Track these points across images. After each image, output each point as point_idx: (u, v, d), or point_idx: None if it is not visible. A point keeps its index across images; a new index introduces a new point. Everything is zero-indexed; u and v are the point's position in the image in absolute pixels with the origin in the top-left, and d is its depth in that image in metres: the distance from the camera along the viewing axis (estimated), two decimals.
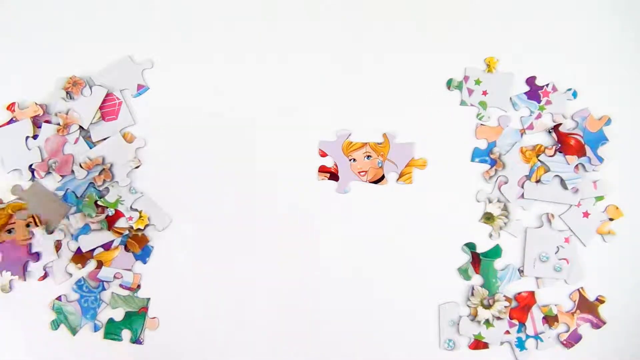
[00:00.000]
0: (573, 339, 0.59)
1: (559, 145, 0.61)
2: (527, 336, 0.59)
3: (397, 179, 0.61)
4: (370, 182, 0.61)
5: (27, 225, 0.58)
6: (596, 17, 0.64)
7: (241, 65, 0.63)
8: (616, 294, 0.60)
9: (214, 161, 0.62)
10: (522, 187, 0.61)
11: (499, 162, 0.61)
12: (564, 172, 0.60)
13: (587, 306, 0.59)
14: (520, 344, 0.59)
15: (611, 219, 0.60)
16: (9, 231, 0.59)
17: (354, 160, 0.61)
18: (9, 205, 0.58)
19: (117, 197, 0.61)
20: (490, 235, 0.60)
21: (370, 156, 0.61)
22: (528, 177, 0.61)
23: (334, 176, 0.61)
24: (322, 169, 0.62)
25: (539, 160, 0.61)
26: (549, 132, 0.61)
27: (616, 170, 0.60)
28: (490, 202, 0.61)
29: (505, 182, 0.60)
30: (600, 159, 0.60)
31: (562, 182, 0.60)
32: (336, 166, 0.61)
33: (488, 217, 0.60)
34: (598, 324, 0.59)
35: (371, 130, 0.62)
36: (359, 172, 0.61)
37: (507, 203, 0.61)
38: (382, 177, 0.61)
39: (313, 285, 0.60)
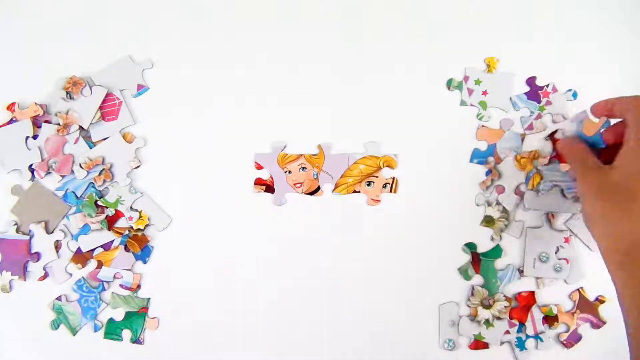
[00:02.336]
0: (573, 339, 0.59)
1: (554, 153, 0.60)
2: (527, 336, 0.59)
3: (333, 190, 0.61)
4: (305, 194, 0.60)
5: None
6: (596, 17, 0.64)
7: (241, 65, 0.63)
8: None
9: (214, 161, 0.62)
10: (519, 194, 0.60)
11: (494, 171, 0.61)
12: (561, 181, 0.60)
13: (587, 306, 0.59)
14: (520, 344, 0.59)
15: None
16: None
17: (290, 172, 0.61)
18: None
19: (117, 197, 0.61)
20: (492, 238, 0.60)
21: (306, 168, 0.61)
22: (525, 184, 0.60)
23: (269, 188, 0.61)
24: (258, 182, 0.61)
25: (536, 169, 0.60)
26: (546, 139, 0.61)
27: None
28: (489, 205, 0.61)
29: (503, 192, 0.60)
30: None
31: (562, 191, 0.60)
32: (272, 178, 0.61)
33: (488, 221, 0.60)
34: (598, 324, 0.59)
35: (312, 140, 0.62)
36: (295, 184, 0.61)
37: (507, 208, 0.61)
38: (318, 188, 0.61)
39: (313, 286, 0.60)
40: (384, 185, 0.61)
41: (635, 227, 0.41)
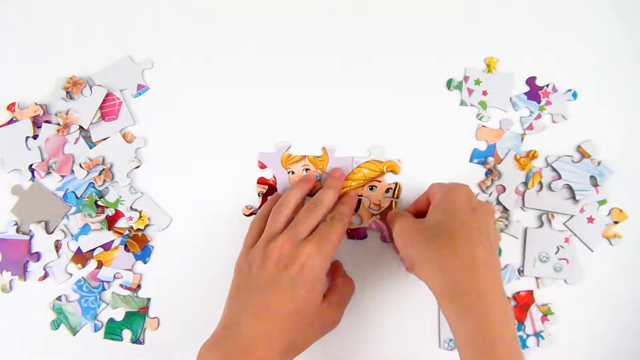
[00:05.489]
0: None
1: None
2: (527, 335, 0.59)
3: None
4: (308, 196, 0.60)
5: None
6: (596, 17, 0.64)
7: (244, 65, 0.63)
8: (618, 293, 0.60)
9: (214, 161, 0.62)
10: (519, 193, 0.60)
11: (494, 171, 0.61)
12: (575, 182, 0.60)
13: None
14: (521, 343, 0.59)
15: (616, 222, 0.60)
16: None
17: (293, 172, 0.61)
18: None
19: (117, 197, 0.61)
20: None
21: (309, 169, 0.61)
22: (525, 184, 0.60)
23: (272, 188, 0.61)
24: (261, 181, 0.61)
25: (550, 165, 0.60)
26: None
27: (617, 172, 0.60)
28: None
29: (503, 191, 0.60)
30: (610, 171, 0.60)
31: (572, 192, 0.60)
32: (274, 178, 0.61)
33: None
34: None
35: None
36: None
37: (507, 208, 0.61)
38: None
39: None
40: (387, 190, 0.61)
41: (459, 266, 0.45)
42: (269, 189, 0.61)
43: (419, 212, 0.55)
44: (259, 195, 0.61)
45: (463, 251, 0.46)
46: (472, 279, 0.45)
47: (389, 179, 0.61)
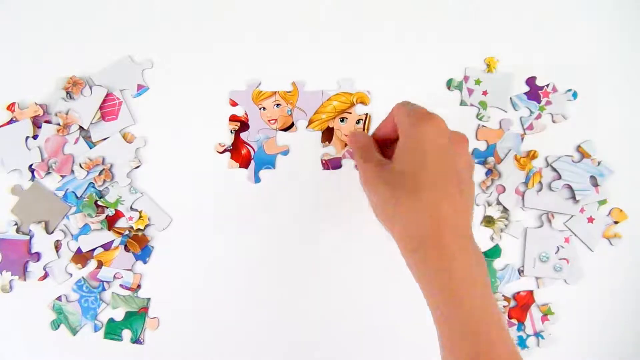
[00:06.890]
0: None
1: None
2: (527, 335, 0.59)
3: (307, 126, 0.62)
4: (280, 130, 0.62)
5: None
6: (596, 17, 0.64)
7: (244, 64, 0.63)
8: (618, 293, 0.60)
9: (214, 161, 0.62)
10: (519, 193, 0.61)
11: (495, 171, 0.61)
12: (576, 182, 0.60)
13: None
14: (522, 343, 0.59)
15: (616, 222, 0.60)
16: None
17: (264, 108, 0.62)
18: None
19: (117, 197, 0.61)
20: (492, 238, 0.60)
21: (280, 104, 0.62)
22: (525, 184, 0.61)
23: (244, 125, 0.62)
24: (233, 118, 0.62)
25: (550, 165, 0.61)
26: None
27: (617, 172, 0.60)
28: (489, 205, 0.61)
29: (503, 191, 0.60)
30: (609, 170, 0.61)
31: (572, 192, 0.60)
32: (246, 115, 0.62)
33: (489, 221, 0.60)
34: None
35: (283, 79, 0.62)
36: (269, 121, 0.62)
37: (507, 208, 0.61)
38: (292, 124, 0.62)
39: (313, 285, 0.61)
40: (357, 122, 0.62)
41: (423, 214, 0.42)
42: (241, 126, 0.62)
43: (385, 135, 0.50)
44: (231, 132, 0.62)
45: (427, 199, 0.42)
46: (435, 229, 0.41)
47: (359, 110, 0.62)
